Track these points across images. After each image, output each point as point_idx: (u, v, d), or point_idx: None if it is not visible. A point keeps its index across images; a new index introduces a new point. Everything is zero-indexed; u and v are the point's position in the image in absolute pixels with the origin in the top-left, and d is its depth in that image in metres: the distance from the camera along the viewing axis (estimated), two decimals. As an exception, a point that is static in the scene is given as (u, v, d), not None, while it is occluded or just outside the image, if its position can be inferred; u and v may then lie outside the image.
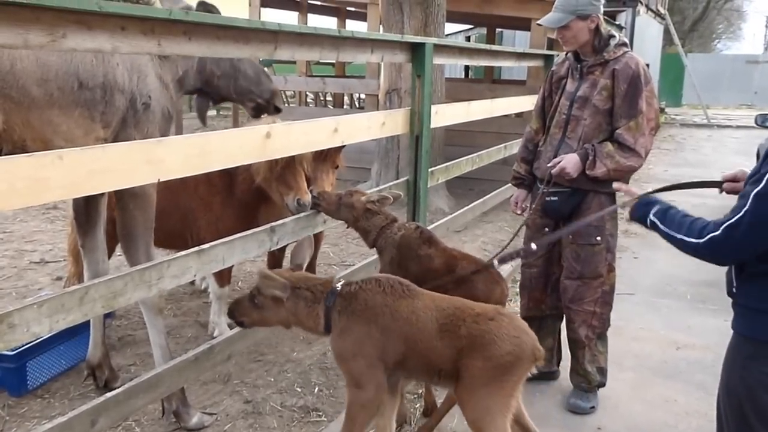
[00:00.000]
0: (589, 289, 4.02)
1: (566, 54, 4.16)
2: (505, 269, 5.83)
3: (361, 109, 13.77)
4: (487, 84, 13.20)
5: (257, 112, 4.40)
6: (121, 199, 3.38)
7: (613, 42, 3.90)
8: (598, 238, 3.97)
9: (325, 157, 4.58)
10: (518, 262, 6.39)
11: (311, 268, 5.34)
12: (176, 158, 2.87)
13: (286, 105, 13.90)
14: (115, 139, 3.18)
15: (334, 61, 15.13)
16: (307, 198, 4.10)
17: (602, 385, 4.19)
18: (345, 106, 15.30)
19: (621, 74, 3.83)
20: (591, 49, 3.93)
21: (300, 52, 3.52)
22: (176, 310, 5.41)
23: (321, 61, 15.09)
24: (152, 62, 3.37)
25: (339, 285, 3.06)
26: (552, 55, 7.66)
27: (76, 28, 2.40)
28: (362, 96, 14.87)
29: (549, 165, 3.91)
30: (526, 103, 7.54)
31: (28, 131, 2.79)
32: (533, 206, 4.15)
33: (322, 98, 15.06)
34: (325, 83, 10.98)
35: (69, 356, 4.35)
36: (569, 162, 3.82)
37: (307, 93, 14.35)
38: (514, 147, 7.21)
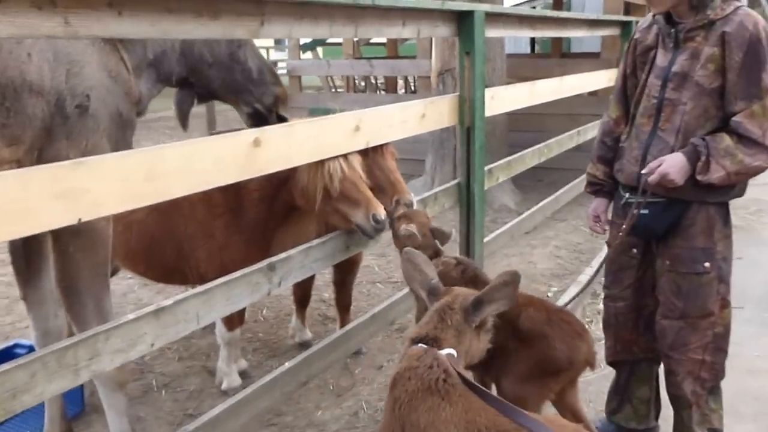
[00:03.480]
0: (695, 332, 3.00)
1: (653, 16, 3.09)
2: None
3: (415, 93, 12.76)
4: (556, 59, 12.02)
5: (255, 121, 3.47)
6: (58, 239, 2.52)
7: None
8: (707, 264, 2.94)
9: (383, 152, 3.58)
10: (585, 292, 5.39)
11: (347, 290, 4.45)
12: (109, 187, 2.01)
13: (334, 91, 13.04)
14: (39, 160, 2.33)
15: (384, 41, 14.23)
16: (383, 212, 3.11)
17: (718, 450, 3.19)
18: (400, 91, 14.31)
19: (734, 39, 2.75)
20: (688, 6, 2.86)
21: (300, 27, 2.61)
22: (182, 351, 4.53)
23: (358, 39, 14.29)
24: (94, 47, 2.49)
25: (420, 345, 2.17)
26: (629, 22, 6.59)
27: None
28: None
29: (644, 171, 2.88)
30: (601, 79, 6.59)
31: None
32: (615, 222, 3.16)
33: (373, 83, 14.07)
34: (372, 66, 9.98)
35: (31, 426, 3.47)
36: (673, 165, 2.79)
37: (356, 78, 13.37)
38: (588, 132, 6.29)
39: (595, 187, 3.37)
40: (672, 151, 2.89)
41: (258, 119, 3.46)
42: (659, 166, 2.81)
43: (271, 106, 3.49)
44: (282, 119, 3.49)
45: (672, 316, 3.04)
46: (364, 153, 3.39)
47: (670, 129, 2.92)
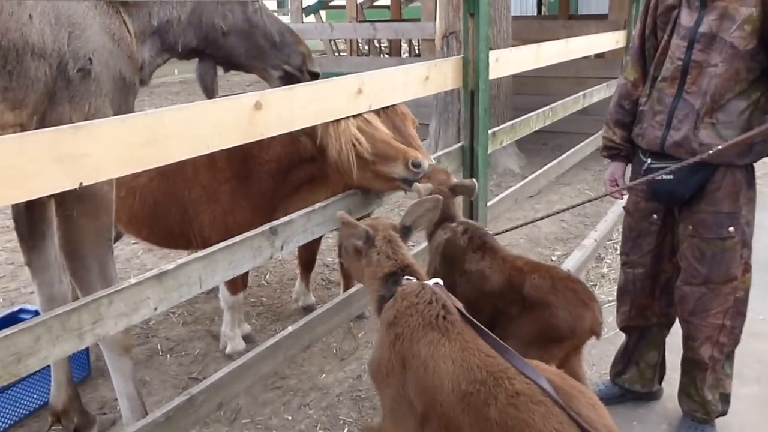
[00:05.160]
0: (716, 298, 2.97)
1: None
2: (575, 263, 4.79)
3: (419, 56, 12.62)
4: (562, 21, 11.87)
5: (287, 83, 3.22)
6: (62, 204, 2.50)
7: None
8: (731, 228, 2.88)
9: (403, 118, 3.46)
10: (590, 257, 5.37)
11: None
12: (109, 151, 2.00)
13: (337, 55, 12.93)
14: (42, 123, 2.30)
15: (388, 3, 14.07)
16: (420, 156, 3.01)
17: (723, 414, 3.19)
18: (404, 54, 14.16)
19: None
20: None
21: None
22: (187, 315, 4.52)
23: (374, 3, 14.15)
24: (96, 10, 2.45)
25: (407, 278, 2.27)
26: (641, -21, 6.48)
27: None
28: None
29: None
30: (608, 41, 6.49)
31: None
32: (634, 188, 3.10)
33: (377, 46, 13.92)
34: (376, 29, 9.85)
35: (36, 395, 3.48)
36: None
37: (359, 41, 13.23)
38: (594, 95, 6.21)
39: (612, 152, 3.28)
40: (698, 115, 2.81)
41: (290, 81, 3.24)
42: None
43: (301, 66, 3.30)
44: (315, 75, 3.31)
45: (694, 282, 2.99)
46: (385, 118, 3.33)
47: (697, 92, 2.82)
